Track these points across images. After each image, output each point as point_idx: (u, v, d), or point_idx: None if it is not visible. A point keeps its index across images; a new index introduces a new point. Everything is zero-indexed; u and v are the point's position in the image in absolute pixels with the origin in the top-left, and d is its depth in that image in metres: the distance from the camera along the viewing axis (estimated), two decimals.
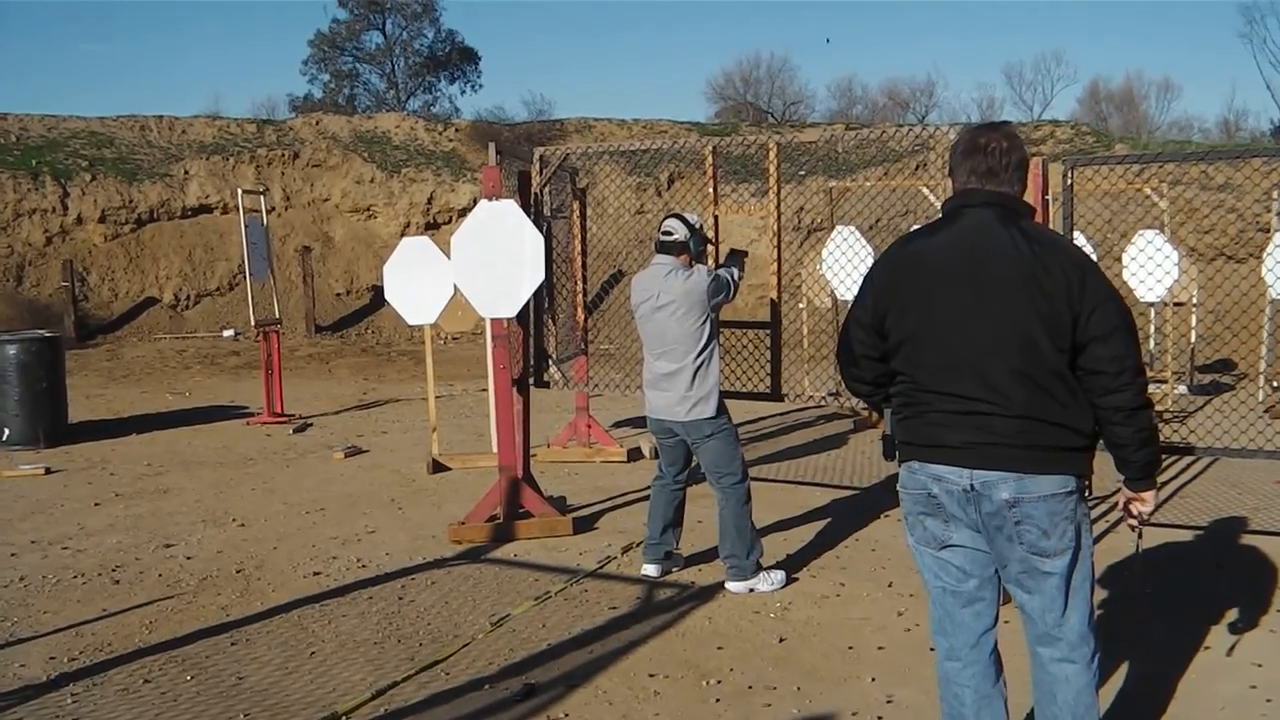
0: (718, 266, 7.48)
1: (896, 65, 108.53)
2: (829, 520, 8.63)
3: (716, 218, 8.34)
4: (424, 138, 28.03)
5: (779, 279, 7.98)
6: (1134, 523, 4.05)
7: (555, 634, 6.18)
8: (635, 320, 7.15)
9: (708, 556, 7.38)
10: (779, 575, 7.03)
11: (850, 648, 5.96)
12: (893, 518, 8.54)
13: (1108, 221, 16.32)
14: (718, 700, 5.31)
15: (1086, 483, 3.90)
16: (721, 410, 6.96)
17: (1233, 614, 6.29)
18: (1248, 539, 7.92)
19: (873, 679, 5.51)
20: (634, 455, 11.10)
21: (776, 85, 48.93)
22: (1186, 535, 8.03)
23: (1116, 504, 4.09)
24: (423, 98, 46.10)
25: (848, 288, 11.84)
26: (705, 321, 6.86)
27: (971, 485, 3.81)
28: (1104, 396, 3.72)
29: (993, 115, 48.24)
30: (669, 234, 7.04)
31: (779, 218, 8.01)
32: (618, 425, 12.97)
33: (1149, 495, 3.96)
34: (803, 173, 22.66)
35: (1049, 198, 6.89)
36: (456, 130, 28.53)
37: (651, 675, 5.58)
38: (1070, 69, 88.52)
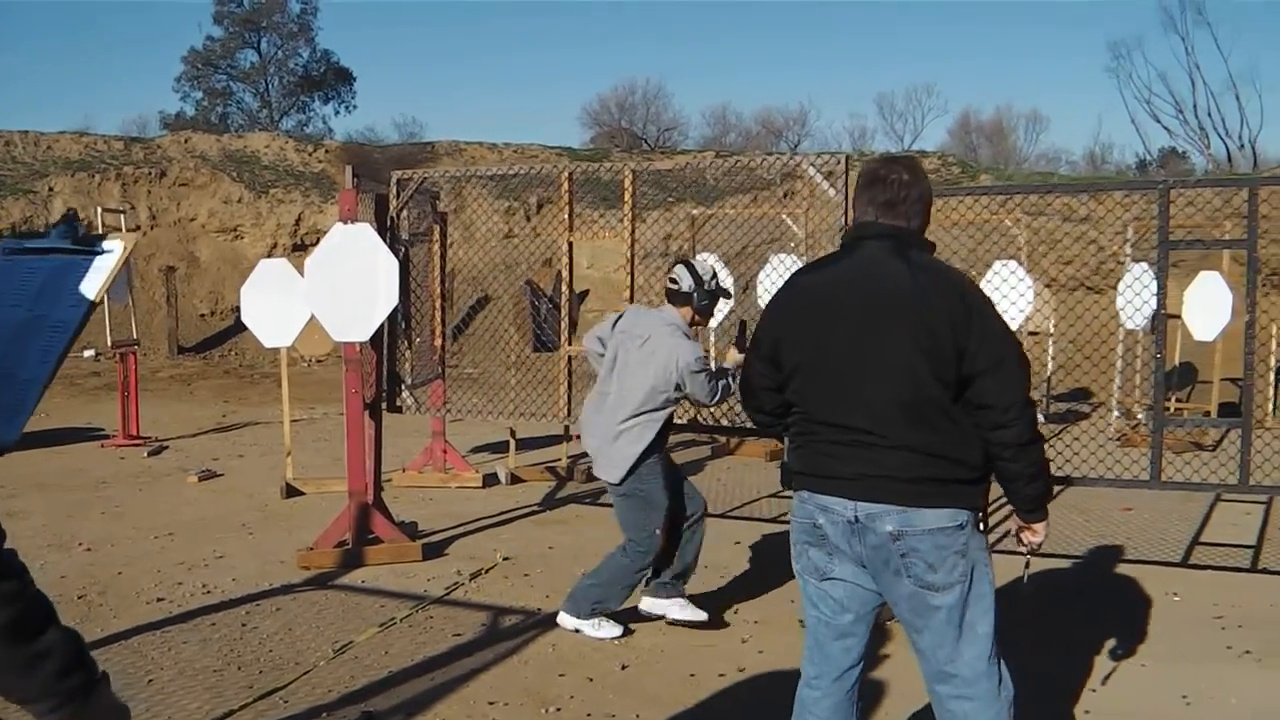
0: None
1: (770, 94, 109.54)
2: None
3: (571, 244, 8.39)
4: (293, 158, 27.77)
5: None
6: (1024, 550, 4.11)
7: (398, 661, 6.14)
8: (611, 336, 6.60)
9: (557, 583, 7.39)
10: (615, 629, 6.59)
11: (693, 675, 5.98)
12: (743, 545, 8.63)
13: (971, 251, 16.57)
14: None
15: (981, 515, 3.91)
16: (631, 475, 6.42)
17: (1096, 644, 6.40)
18: (1096, 565, 8.10)
19: (702, 704, 5.55)
20: (489, 481, 11.05)
21: (652, 111, 49.25)
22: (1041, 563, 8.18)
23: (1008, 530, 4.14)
24: (296, 117, 45.88)
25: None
26: (660, 394, 6.37)
27: (856, 517, 3.79)
28: (992, 431, 3.73)
29: (864, 145, 48.94)
30: (674, 283, 6.49)
31: (633, 244, 8.10)
32: (476, 450, 12.93)
33: (1040, 526, 4.00)
34: (671, 199, 22.81)
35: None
36: (326, 151, 28.30)
37: (491, 703, 5.57)
38: (941, 100, 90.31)
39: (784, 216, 13.83)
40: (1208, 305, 12.11)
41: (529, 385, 11.22)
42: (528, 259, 22.40)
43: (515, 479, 11.00)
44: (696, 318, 6.57)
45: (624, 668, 6.09)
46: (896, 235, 3.90)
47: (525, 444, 12.60)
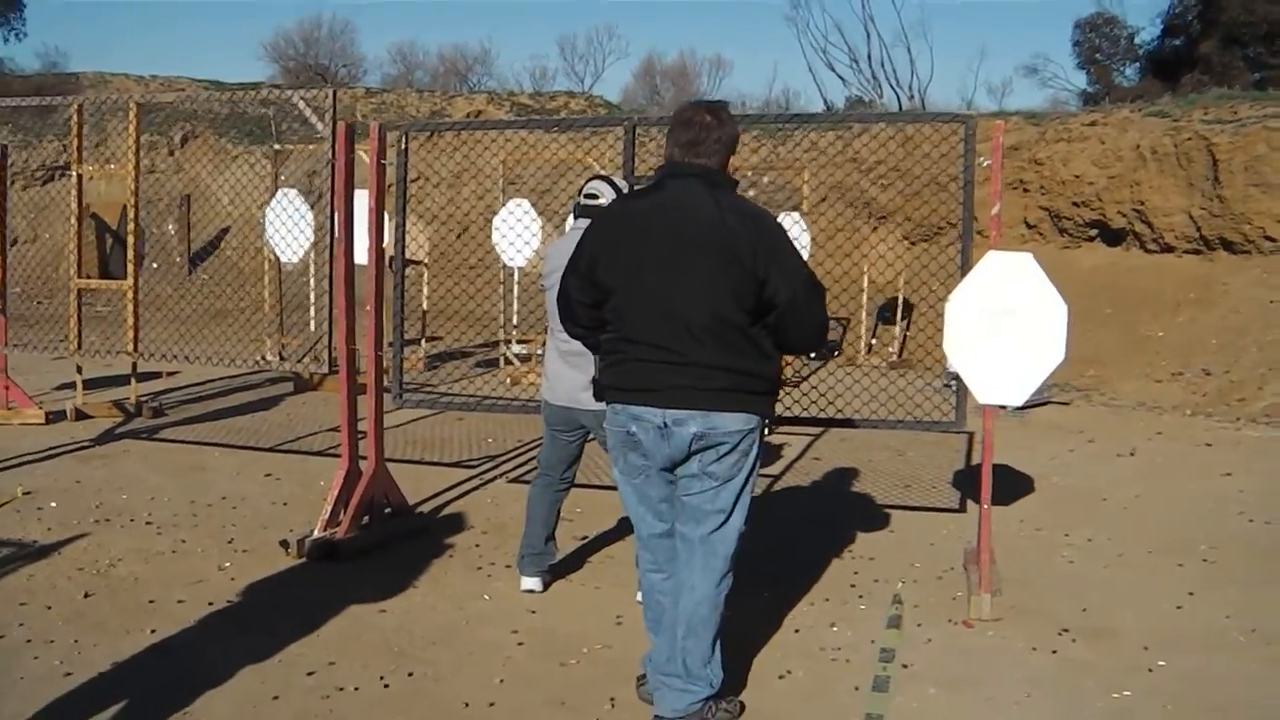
0: None
1: (456, 32, 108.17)
2: (211, 479, 8.77)
3: (80, 176, 8.31)
4: None
5: (136, 239, 8.06)
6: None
7: None
8: (545, 293, 6.06)
9: (66, 516, 7.42)
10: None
11: (152, 601, 6.06)
12: (272, 476, 8.75)
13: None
14: None
15: (767, 424, 4.63)
16: None
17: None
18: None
19: (153, 630, 5.64)
20: (55, 417, 10.82)
21: (338, 46, 48.53)
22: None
23: None
24: None
25: (283, 251, 12.00)
26: None
27: (665, 423, 4.39)
28: (794, 347, 4.66)
29: (545, 85, 49.00)
30: (593, 197, 5.97)
31: (137, 178, 8.09)
32: (62, 387, 12.57)
33: None
34: (319, 135, 22.56)
35: (385, 161, 7.23)
36: None
37: None
38: (622, 43, 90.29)
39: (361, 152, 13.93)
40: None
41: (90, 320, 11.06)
42: (169, 194, 21.97)
43: (81, 415, 10.81)
44: None
45: (86, 596, 6.12)
46: (702, 174, 4.47)
47: (119, 381, 12.37)
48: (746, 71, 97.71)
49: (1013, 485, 8.74)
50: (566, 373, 5.90)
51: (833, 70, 52.43)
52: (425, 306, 15.41)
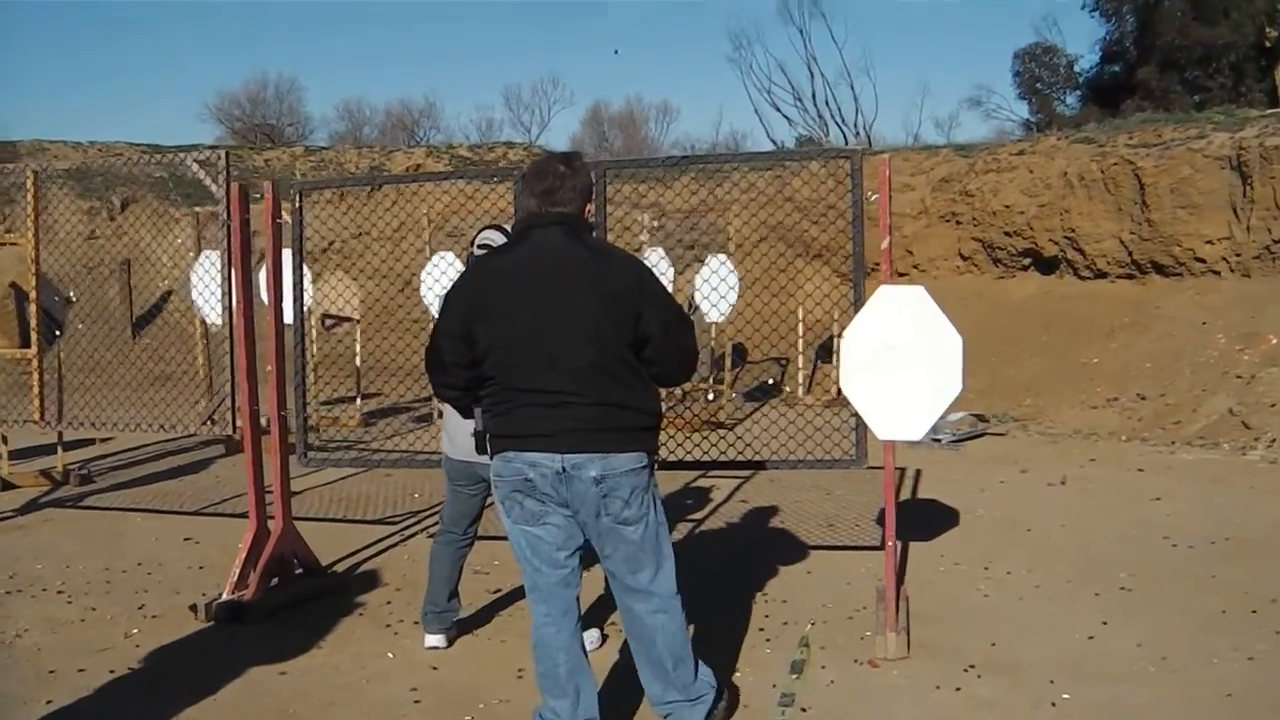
0: None
1: (401, 88, 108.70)
2: (129, 545, 8.68)
3: None
4: None
5: (37, 310, 8.01)
6: None
7: None
8: None
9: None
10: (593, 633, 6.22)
11: (52, 671, 5.97)
12: (192, 540, 8.67)
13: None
14: None
15: (656, 458, 4.67)
16: None
17: None
18: None
19: (49, 701, 5.56)
20: None
21: (285, 105, 48.77)
22: None
23: None
24: None
25: (209, 313, 11.99)
26: None
27: (564, 468, 4.39)
28: (667, 376, 4.68)
29: (492, 136, 49.25)
30: (486, 246, 5.78)
31: (36, 246, 8.06)
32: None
33: None
34: (258, 196, 22.58)
35: (280, 220, 7.21)
36: None
37: None
38: (567, 92, 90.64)
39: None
40: (717, 287, 12.69)
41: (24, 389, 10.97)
42: (111, 259, 21.84)
43: (7, 485, 10.71)
44: None
45: None
46: (562, 220, 4.53)
47: (52, 449, 12.25)
48: (693, 115, 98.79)
49: (937, 519, 8.74)
50: (467, 427, 5.44)
51: (778, 110, 52.83)
52: (359, 363, 15.38)
